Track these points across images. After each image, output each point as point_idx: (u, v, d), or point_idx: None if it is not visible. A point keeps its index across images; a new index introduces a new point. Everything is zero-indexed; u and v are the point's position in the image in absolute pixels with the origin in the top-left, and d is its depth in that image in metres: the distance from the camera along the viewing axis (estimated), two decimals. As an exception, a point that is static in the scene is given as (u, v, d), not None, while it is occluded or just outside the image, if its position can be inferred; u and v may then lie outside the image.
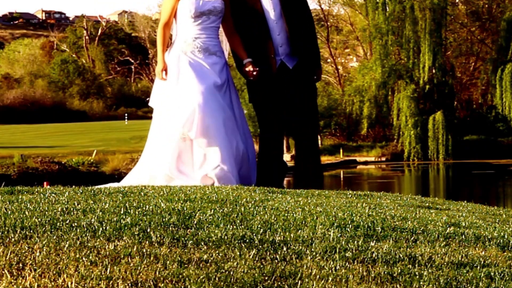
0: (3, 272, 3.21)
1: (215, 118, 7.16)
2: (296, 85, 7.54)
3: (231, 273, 3.32)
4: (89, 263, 3.33)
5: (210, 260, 3.48)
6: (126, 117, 72.22)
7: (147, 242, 3.73)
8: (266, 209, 4.84)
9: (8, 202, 4.71)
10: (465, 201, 6.84)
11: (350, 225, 4.37)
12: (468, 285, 3.43)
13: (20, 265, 3.29)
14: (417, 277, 3.46)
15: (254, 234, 3.97)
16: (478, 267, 3.71)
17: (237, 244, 3.77)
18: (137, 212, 4.45)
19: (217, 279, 3.23)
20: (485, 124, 52.80)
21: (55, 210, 4.42)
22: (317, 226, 4.30)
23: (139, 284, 3.14)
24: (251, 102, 7.79)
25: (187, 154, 7.23)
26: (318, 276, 3.37)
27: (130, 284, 3.13)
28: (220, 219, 4.33)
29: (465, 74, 57.65)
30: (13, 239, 3.65)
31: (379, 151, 53.02)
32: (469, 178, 40.55)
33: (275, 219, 4.47)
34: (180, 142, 7.24)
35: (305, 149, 7.63)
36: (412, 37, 50.77)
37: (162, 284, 3.16)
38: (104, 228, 3.94)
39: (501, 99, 49.66)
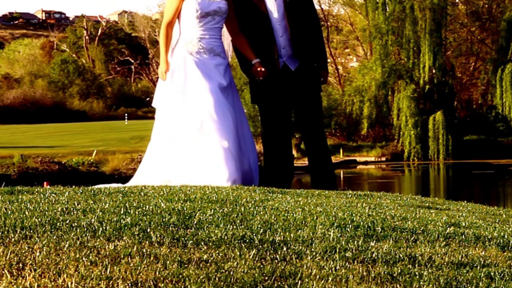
0: (3, 272, 3.21)
1: (227, 120, 7.15)
2: (299, 87, 7.52)
3: (231, 273, 3.32)
4: (89, 263, 3.33)
5: (210, 260, 3.48)
6: (126, 117, 72.22)
7: (147, 242, 3.73)
8: (266, 209, 4.84)
9: (8, 202, 4.71)
10: (465, 201, 6.84)
11: (350, 225, 4.37)
12: (468, 285, 3.43)
13: (20, 265, 3.29)
14: (417, 277, 3.46)
15: (254, 234, 3.97)
16: (478, 267, 3.71)
17: (237, 244, 3.77)
18: (137, 212, 4.45)
19: (217, 279, 3.23)
20: (485, 124, 52.81)
21: (55, 210, 4.42)
22: (317, 226, 4.30)
23: (139, 284, 3.14)
24: (253, 103, 7.78)
25: (193, 155, 7.20)
26: (318, 276, 3.37)
27: (130, 284, 3.13)
28: (220, 219, 4.33)
29: (465, 74, 57.66)
30: (13, 239, 3.65)
31: (379, 151, 53.03)
32: (469, 178, 40.55)
33: (275, 219, 4.47)
34: (188, 143, 7.22)
35: (315, 150, 7.62)
36: (412, 37, 50.77)
37: (162, 284, 3.16)
38: (104, 228, 3.94)
39: (501, 99, 49.66)
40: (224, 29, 7.60)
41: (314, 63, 7.62)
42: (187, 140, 7.23)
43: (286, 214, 4.66)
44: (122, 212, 4.45)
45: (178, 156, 7.25)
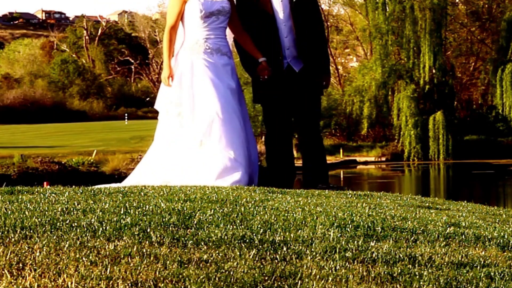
0: (3, 272, 3.20)
1: (235, 123, 7.14)
2: (301, 89, 7.51)
3: (231, 273, 3.32)
4: (89, 263, 3.33)
5: (210, 260, 3.48)
6: (126, 117, 72.21)
7: (147, 242, 3.73)
8: (266, 209, 4.83)
9: (8, 202, 4.71)
10: (465, 201, 6.84)
11: (350, 225, 4.37)
12: (468, 285, 3.43)
13: (20, 265, 3.28)
14: (417, 277, 3.46)
15: (254, 234, 3.97)
16: (478, 267, 3.71)
17: (237, 244, 3.77)
18: (137, 212, 4.45)
19: (217, 279, 3.23)
20: (485, 124, 52.81)
21: (55, 210, 4.42)
22: (317, 226, 4.30)
23: (139, 284, 3.14)
24: (255, 102, 7.77)
25: (196, 156, 7.20)
26: (318, 276, 3.37)
27: (130, 284, 3.13)
28: (220, 219, 4.33)
29: (465, 74, 57.66)
30: (13, 239, 3.65)
31: (379, 151, 53.03)
32: (469, 178, 40.55)
33: (275, 219, 4.47)
34: (191, 145, 7.21)
35: (309, 148, 7.63)
36: (412, 37, 50.77)
37: (162, 284, 3.16)
38: (104, 228, 3.94)
39: (501, 99, 49.66)
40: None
41: (318, 65, 7.60)
42: (191, 141, 7.22)
43: (286, 214, 4.66)
44: (122, 212, 4.45)
45: (180, 157, 7.25)
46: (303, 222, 4.41)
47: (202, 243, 3.75)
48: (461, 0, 58.39)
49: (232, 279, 3.24)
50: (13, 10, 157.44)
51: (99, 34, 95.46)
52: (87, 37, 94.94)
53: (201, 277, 3.24)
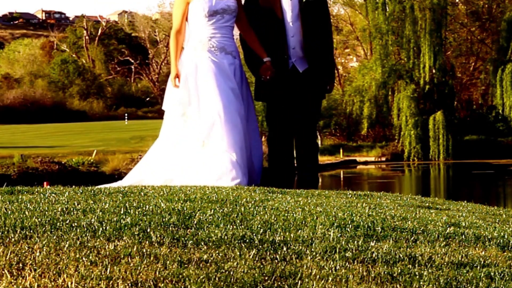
0: (3, 272, 3.20)
1: (236, 124, 7.13)
2: (304, 89, 7.50)
3: (231, 273, 3.32)
4: (89, 263, 3.33)
5: (210, 260, 3.48)
6: (126, 117, 72.22)
7: (147, 242, 3.73)
8: (266, 209, 4.83)
9: (8, 202, 4.71)
10: (465, 201, 6.84)
11: (350, 225, 4.37)
12: (468, 285, 3.43)
13: (20, 265, 3.28)
14: (417, 277, 3.46)
15: (254, 234, 3.97)
16: (478, 267, 3.71)
17: (237, 244, 3.77)
18: (137, 212, 4.45)
19: (217, 279, 3.23)
20: (485, 124, 52.82)
21: (55, 210, 4.42)
22: (317, 226, 4.30)
23: (139, 284, 3.14)
24: (257, 100, 7.76)
25: (197, 156, 7.19)
26: (318, 276, 3.37)
27: (130, 284, 3.13)
28: (220, 219, 4.33)
29: (465, 74, 57.67)
30: (13, 239, 3.65)
31: (379, 151, 53.04)
32: (469, 178, 40.55)
33: (275, 219, 4.47)
34: (193, 145, 7.21)
35: (302, 148, 7.64)
36: (412, 37, 50.78)
37: (162, 284, 3.16)
38: (104, 228, 3.94)
39: (501, 99, 49.68)
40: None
41: (323, 68, 7.59)
42: (193, 141, 7.22)
43: (286, 214, 4.66)
44: (122, 212, 4.45)
45: (182, 157, 7.25)
46: (303, 222, 4.41)
47: (202, 243, 3.75)
48: (461, 0, 58.39)
49: (232, 279, 3.24)
50: (13, 10, 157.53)
51: (99, 34, 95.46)
52: (87, 37, 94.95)
53: (201, 277, 3.24)
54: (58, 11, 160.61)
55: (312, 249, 3.77)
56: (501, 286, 3.46)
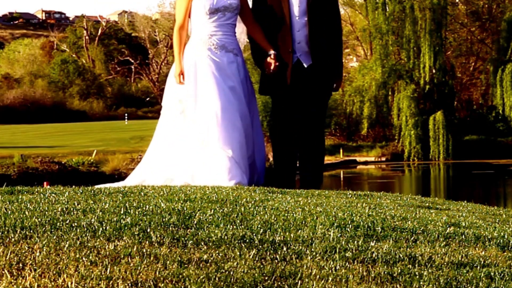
0: (3, 272, 3.20)
1: (234, 123, 7.11)
2: (308, 86, 7.46)
3: (231, 273, 3.32)
4: (89, 263, 3.33)
5: (210, 260, 3.48)
6: (126, 117, 72.20)
7: (147, 242, 3.72)
8: (266, 209, 4.83)
9: (8, 202, 4.71)
10: (465, 201, 6.84)
11: (350, 225, 4.37)
12: (468, 285, 3.43)
13: (20, 265, 3.28)
14: (417, 277, 3.46)
15: (254, 234, 3.97)
16: (478, 267, 3.71)
17: (237, 244, 3.77)
18: (137, 212, 4.45)
19: (217, 279, 3.23)
20: (485, 124, 52.81)
21: (55, 210, 4.42)
22: (317, 226, 4.30)
23: (139, 284, 3.14)
24: (261, 94, 7.72)
25: (197, 156, 7.18)
26: (318, 276, 3.37)
27: (130, 284, 3.13)
28: (220, 219, 4.33)
29: (465, 74, 57.66)
30: (13, 239, 3.65)
31: (379, 151, 53.03)
32: (469, 178, 40.55)
33: (275, 219, 4.47)
34: (192, 145, 7.20)
35: (304, 148, 7.59)
36: (412, 37, 50.76)
37: (162, 284, 3.16)
38: (104, 228, 3.94)
39: (501, 99, 49.67)
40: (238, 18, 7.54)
41: (329, 65, 7.55)
42: (192, 140, 7.21)
43: (286, 214, 4.66)
44: (122, 212, 4.45)
45: (181, 155, 7.24)
46: (303, 222, 4.41)
47: (202, 243, 3.75)
48: (461, 0, 58.39)
49: (232, 279, 3.24)
50: (13, 10, 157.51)
51: (99, 34, 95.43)
52: (87, 37, 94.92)
53: (201, 277, 3.24)
54: (58, 11, 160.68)
55: (312, 249, 3.77)
56: (501, 286, 3.46)
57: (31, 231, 3.80)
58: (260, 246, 3.76)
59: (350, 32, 65.09)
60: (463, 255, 3.91)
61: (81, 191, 5.52)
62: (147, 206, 4.67)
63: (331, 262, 3.58)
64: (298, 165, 7.71)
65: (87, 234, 3.79)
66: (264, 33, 7.47)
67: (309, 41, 7.42)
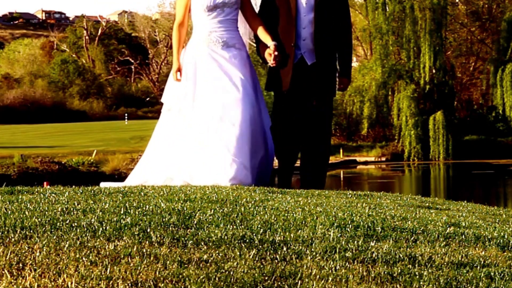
0: (3, 272, 3.20)
1: (234, 126, 7.06)
2: (312, 85, 7.41)
3: (231, 273, 3.32)
4: (89, 263, 3.33)
5: (210, 260, 3.48)
6: (126, 117, 72.20)
7: (147, 242, 3.72)
8: (266, 209, 4.83)
9: (8, 202, 4.71)
10: (465, 201, 6.84)
11: (350, 225, 4.37)
12: (468, 285, 3.43)
13: (20, 265, 3.28)
14: (417, 277, 3.46)
15: (254, 234, 3.97)
16: (478, 267, 3.71)
17: (237, 244, 3.77)
18: (137, 212, 4.45)
19: (217, 279, 3.23)
20: (485, 124, 52.83)
21: (55, 210, 4.42)
22: (317, 226, 4.30)
23: (139, 284, 3.14)
24: (267, 90, 7.68)
25: (198, 155, 7.16)
26: (318, 276, 3.37)
27: (130, 284, 3.13)
28: (220, 219, 4.33)
29: (465, 74, 57.67)
30: (13, 239, 3.65)
31: (379, 151, 53.03)
32: (469, 178, 40.56)
33: (275, 219, 4.47)
34: (193, 144, 7.18)
35: (306, 148, 7.54)
36: (412, 37, 50.78)
37: (162, 284, 3.16)
38: (104, 228, 3.94)
39: (501, 99, 49.69)
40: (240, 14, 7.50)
41: (334, 64, 7.51)
42: (192, 139, 7.20)
43: (286, 214, 4.66)
44: (122, 212, 4.45)
45: (181, 154, 7.23)
46: (303, 222, 4.41)
47: (202, 243, 3.75)
48: (461, 0, 58.40)
49: (232, 279, 3.24)
50: (13, 10, 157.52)
51: (99, 34, 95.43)
52: (87, 37, 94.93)
53: (201, 277, 3.24)
54: (58, 11, 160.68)
55: (312, 249, 3.77)
56: (501, 286, 3.46)
57: (31, 231, 3.80)
58: (260, 246, 3.76)
59: (350, 32, 65.05)
60: (463, 255, 3.91)
61: (81, 191, 5.52)
62: (147, 206, 4.67)
63: (331, 262, 3.58)
64: (301, 166, 7.65)
65: (87, 234, 3.79)
66: (270, 28, 7.42)
67: (314, 39, 7.37)
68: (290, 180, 7.59)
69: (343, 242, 3.94)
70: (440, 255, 3.85)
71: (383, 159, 52.38)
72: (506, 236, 4.49)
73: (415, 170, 47.08)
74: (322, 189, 7.13)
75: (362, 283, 3.35)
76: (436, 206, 6.02)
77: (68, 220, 4.08)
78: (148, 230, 3.95)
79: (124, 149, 40.56)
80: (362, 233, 4.21)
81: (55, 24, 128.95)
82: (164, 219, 4.21)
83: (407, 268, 3.58)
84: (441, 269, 3.63)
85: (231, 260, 3.51)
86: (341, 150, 52.06)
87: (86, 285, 3.11)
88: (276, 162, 7.65)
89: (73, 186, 5.91)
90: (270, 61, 7.30)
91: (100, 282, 3.13)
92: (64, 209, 4.47)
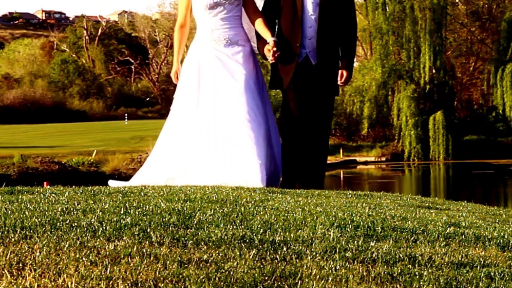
0: (3, 272, 3.20)
1: (239, 122, 7.04)
2: (315, 85, 7.39)
3: (231, 273, 3.32)
4: (89, 263, 3.33)
5: (210, 260, 3.48)
6: (126, 117, 72.21)
7: (147, 242, 3.72)
8: (266, 209, 4.83)
9: (8, 202, 4.71)
10: (465, 201, 6.84)
11: (350, 225, 4.37)
12: (468, 285, 3.43)
13: (20, 265, 3.28)
14: (417, 277, 3.46)
15: (254, 234, 3.97)
16: (478, 267, 3.71)
17: (237, 244, 3.77)
18: (137, 212, 4.45)
19: (217, 279, 3.23)
20: (485, 124, 52.85)
21: (55, 210, 4.42)
22: (317, 226, 4.30)
23: (139, 284, 3.14)
24: (271, 88, 7.65)
25: (199, 159, 7.15)
26: (318, 276, 3.37)
27: (130, 284, 3.13)
28: (220, 219, 4.33)
29: (465, 74, 57.69)
30: (13, 239, 3.65)
31: (379, 151, 53.05)
32: (469, 178, 40.56)
33: (275, 219, 4.47)
34: (195, 144, 7.17)
35: (310, 149, 7.50)
36: (412, 37, 50.80)
37: (162, 284, 3.16)
38: (104, 228, 3.94)
39: (501, 99, 49.72)
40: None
41: (337, 64, 7.48)
42: (192, 139, 7.19)
43: (286, 214, 4.66)
44: (122, 212, 4.45)
45: (182, 154, 7.22)
46: (303, 222, 4.41)
47: (202, 243, 3.75)
48: (461, 0, 58.40)
49: (232, 279, 3.24)
50: (13, 10, 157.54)
51: (99, 34, 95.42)
52: (87, 37, 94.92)
53: (201, 277, 3.24)
54: (58, 11, 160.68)
55: (312, 249, 3.77)
56: (501, 286, 3.46)
57: (31, 231, 3.80)
58: (260, 246, 3.76)
59: (350, 32, 65.05)
60: (463, 255, 3.91)
61: (81, 191, 5.52)
62: (147, 206, 4.67)
63: (331, 262, 3.58)
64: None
65: (87, 234, 3.79)
66: (274, 26, 7.40)
67: (317, 39, 7.35)
68: (296, 181, 7.52)
69: (343, 242, 3.94)
70: (440, 255, 3.85)
71: (383, 159, 52.39)
72: (506, 236, 4.49)
73: (415, 170, 47.09)
74: (321, 189, 7.12)
75: (362, 283, 3.35)
76: (436, 206, 6.02)
77: (68, 220, 4.08)
78: (148, 230, 3.95)
79: (124, 149, 40.56)
80: (362, 233, 4.21)
81: (55, 24, 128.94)
82: (164, 219, 4.21)
83: (407, 268, 3.58)
84: (441, 269, 3.63)
85: (231, 260, 3.51)
86: (341, 150, 52.07)
87: (86, 285, 3.11)
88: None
89: (73, 186, 5.91)
90: (269, 57, 7.29)
91: (100, 282, 3.13)
92: (64, 209, 4.47)
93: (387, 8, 51.84)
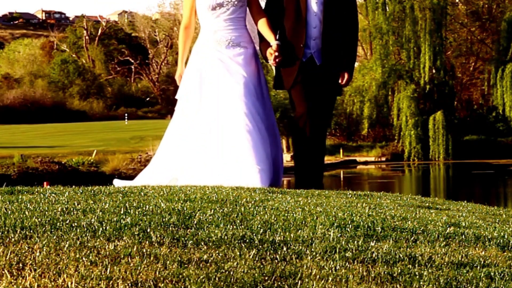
0: (3, 272, 3.20)
1: (240, 123, 7.02)
2: (319, 85, 7.38)
3: (231, 273, 3.32)
4: (89, 263, 3.33)
5: (210, 260, 3.48)
6: (126, 117, 72.24)
7: (147, 242, 3.72)
8: (266, 209, 4.83)
9: (8, 202, 4.71)
10: (465, 201, 6.83)
11: (350, 225, 4.37)
12: (468, 285, 3.43)
13: (20, 265, 3.28)
14: (417, 277, 3.46)
15: (254, 234, 3.97)
16: (478, 267, 3.71)
17: (237, 244, 3.77)
18: (137, 212, 4.45)
19: (217, 279, 3.23)
20: (485, 124, 52.86)
21: (55, 210, 4.42)
22: (317, 226, 4.30)
23: (139, 284, 3.14)
24: (275, 89, 7.63)
25: (201, 160, 7.14)
26: (318, 276, 3.37)
27: (130, 284, 3.13)
28: (220, 219, 4.33)
29: (465, 74, 57.70)
30: (13, 239, 3.65)
31: (379, 151, 53.07)
32: (469, 178, 40.57)
33: (275, 219, 4.46)
34: (197, 145, 7.17)
35: (312, 152, 7.48)
36: (412, 37, 50.82)
37: (162, 284, 3.16)
38: (104, 228, 3.94)
39: (501, 99, 49.73)
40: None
41: (341, 65, 7.46)
42: (194, 140, 7.19)
43: (286, 214, 4.66)
44: (122, 212, 4.45)
45: (185, 155, 7.23)
46: (303, 222, 4.40)
47: (202, 243, 3.75)
48: (461, 0, 58.40)
49: (232, 279, 3.24)
50: (13, 10, 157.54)
51: (99, 34, 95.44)
52: (87, 37, 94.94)
53: (201, 277, 3.24)
54: (58, 11, 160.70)
55: (312, 249, 3.77)
56: (501, 286, 3.46)
57: (31, 231, 3.80)
58: (260, 246, 3.76)
59: (350, 32, 65.05)
60: (463, 255, 3.91)
61: (81, 191, 5.52)
62: (147, 206, 4.67)
63: (331, 262, 3.58)
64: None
65: (87, 234, 3.79)
66: (276, 27, 7.38)
67: (322, 39, 7.33)
68: (308, 180, 7.48)
69: (343, 242, 3.94)
70: (440, 255, 3.85)
71: (383, 159, 52.41)
72: (506, 236, 4.49)
73: (415, 170, 47.10)
74: (321, 188, 7.12)
75: (362, 283, 3.35)
76: (436, 206, 6.02)
77: (68, 220, 4.08)
78: (148, 230, 3.95)
79: (124, 149, 40.57)
80: (362, 233, 4.21)
81: (55, 24, 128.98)
82: (164, 219, 4.21)
83: (407, 268, 3.58)
84: (441, 269, 3.63)
85: (231, 260, 3.51)
86: (341, 150, 52.10)
87: (86, 285, 3.11)
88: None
89: (73, 186, 5.91)
90: (271, 61, 7.29)
91: (100, 282, 3.13)
92: (64, 209, 4.47)
93: (387, 8, 51.85)
